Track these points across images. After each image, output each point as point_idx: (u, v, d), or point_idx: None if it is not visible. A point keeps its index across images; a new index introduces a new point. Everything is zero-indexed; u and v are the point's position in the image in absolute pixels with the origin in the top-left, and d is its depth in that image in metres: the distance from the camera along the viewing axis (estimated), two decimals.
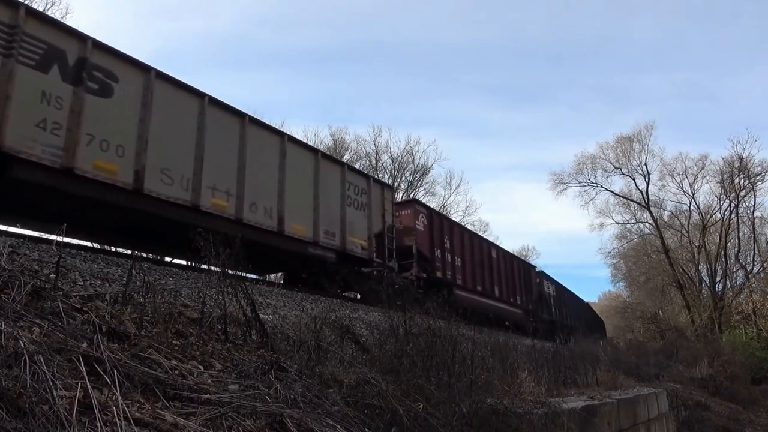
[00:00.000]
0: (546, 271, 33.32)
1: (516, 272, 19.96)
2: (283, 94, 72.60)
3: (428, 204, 25.28)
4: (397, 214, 13.58)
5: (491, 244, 19.16)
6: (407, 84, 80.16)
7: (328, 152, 12.71)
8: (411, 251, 13.13)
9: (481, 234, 27.69)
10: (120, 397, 2.26)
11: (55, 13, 19.77)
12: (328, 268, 9.63)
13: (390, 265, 12.09)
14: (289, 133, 10.52)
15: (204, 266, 4.90)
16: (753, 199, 35.42)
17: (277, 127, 10.57)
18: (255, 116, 9.73)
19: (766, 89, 63.22)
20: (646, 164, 37.76)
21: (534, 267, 23.96)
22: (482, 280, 16.78)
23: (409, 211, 13.97)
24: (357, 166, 31.86)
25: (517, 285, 19.75)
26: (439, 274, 14.00)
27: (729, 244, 35.93)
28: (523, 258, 22.85)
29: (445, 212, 32.25)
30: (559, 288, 26.36)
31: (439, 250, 14.41)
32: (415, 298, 11.37)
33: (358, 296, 11.56)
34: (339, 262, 10.57)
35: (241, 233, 7.79)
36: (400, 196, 29.58)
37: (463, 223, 27.35)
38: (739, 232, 35.67)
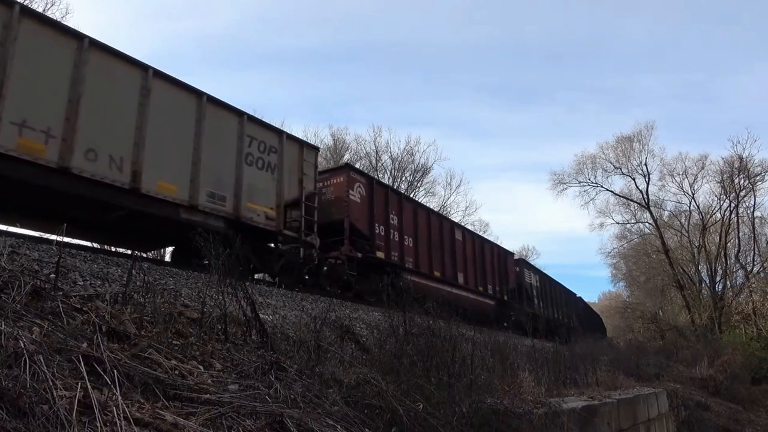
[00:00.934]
0: (549, 272, 31.95)
1: (488, 258, 18.00)
2: (282, 94, 72.67)
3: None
4: (326, 183, 11.86)
5: (456, 225, 17.19)
6: (406, 84, 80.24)
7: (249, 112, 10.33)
8: (342, 226, 11.25)
9: (482, 235, 26.59)
10: (120, 397, 2.26)
11: (55, 13, 19.79)
12: (223, 241, 8.15)
13: (308, 240, 10.25)
14: (164, 74, 8.06)
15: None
16: (753, 199, 35.47)
17: (140, 60, 7.87)
18: (102, 41, 7.41)
19: (765, 89, 63.25)
20: (646, 164, 37.79)
21: (512, 254, 21.76)
22: (441, 265, 14.77)
23: (341, 179, 11.79)
24: (357, 165, 31.85)
25: (488, 272, 17.81)
26: (381, 254, 12.11)
27: (729, 244, 35.94)
28: (498, 244, 20.46)
29: (445, 212, 32.14)
30: (545, 279, 24.51)
31: (382, 227, 12.40)
32: (344, 279, 10.76)
33: (274, 279, 9.89)
34: (233, 233, 8.29)
35: (68, 187, 6.64)
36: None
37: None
38: (739, 232, 35.69)
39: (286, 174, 10.02)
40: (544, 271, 26.53)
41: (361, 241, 11.63)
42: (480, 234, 21.24)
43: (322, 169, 12.02)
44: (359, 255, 11.32)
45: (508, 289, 19.07)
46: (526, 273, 21.65)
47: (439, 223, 15.49)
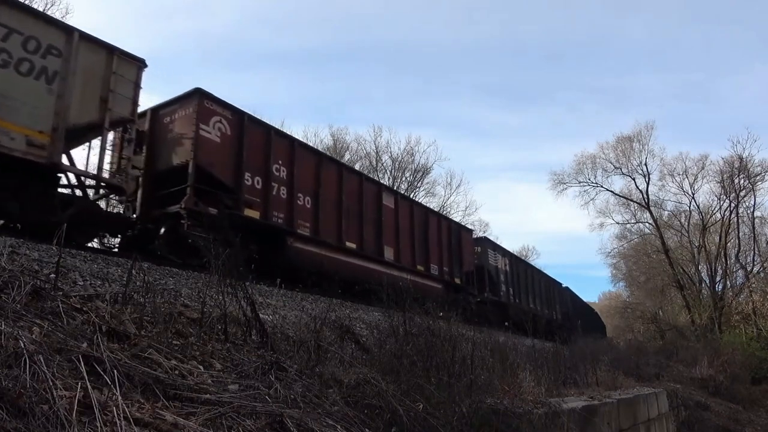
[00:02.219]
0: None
1: (434, 233, 15.10)
2: (282, 94, 72.67)
3: (428, 205, 23.92)
4: (172, 116, 9.14)
5: (386, 189, 14.22)
6: (406, 84, 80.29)
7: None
8: (186, 171, 8.60)
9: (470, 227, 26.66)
10: (120, 397, 2.26)
11: (55, 12, 19.75)
12: None
13: (113, 181, 7.85)
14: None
15: None
16: (753, 199, 35.50)
17: None
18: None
19: (764, 89, 63.27)
20: (646, 164, 37.81)
21: (470, 230, 18.88)
22: (359, 235, 11.94)
23: (188, 111, 8.93)
24: (357, 166, 31.74)
25: (434, 250, 14.90)
26: (252, 212, 9.42)
27: (729, 244, 35.96)
28: (454, 219, 17.63)
29: (444, 212, 32.07)
30: (518, 264, 21.61)
31: (257, 179, 9.61)
32: (189, 244, 7.53)
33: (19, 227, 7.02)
34: None
35: None
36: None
37: (465, 224, 25.92)
38: (739, 232, 35.72)
39: (77, 88, 7.37)
40: (525, 259, 25.21)
41: (221, 193, 8.87)
42: (420, 202, 17.82)
43: (170, 99, 9.36)
44: (213, 210, 8.53)
45: (463, 272, 16.16)
46: (490, 255, 18.66)
47: (358, 184, 12.37)
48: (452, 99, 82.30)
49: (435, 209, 19.29)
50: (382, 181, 22.04)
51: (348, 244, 11.67)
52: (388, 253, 13.01)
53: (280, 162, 10.27)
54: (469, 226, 23.86)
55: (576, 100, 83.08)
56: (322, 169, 11.41)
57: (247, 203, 9.36)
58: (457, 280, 15.97)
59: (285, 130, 12.47)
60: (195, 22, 66.22)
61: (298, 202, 10.53)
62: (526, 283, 21.89)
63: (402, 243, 13.58)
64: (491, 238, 25.71)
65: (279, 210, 10.03)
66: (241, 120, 9.56)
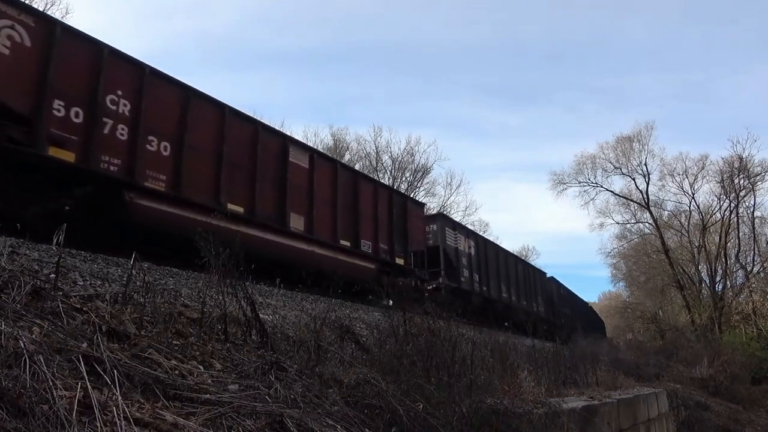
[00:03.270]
0: (550, 272, 28.60)
1: (369, 203, 12.37)
2: (282, 94, 72.67)
3: (428, 205, 24.10)
4: None
5: (295, 144, 10.97)
6: (406, 84, 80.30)
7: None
8: None
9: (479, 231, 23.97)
10: (120, 397, 2.26)
11: (55, 12, 19.76)
12: None
13: None
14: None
15: None
16: (753, 199, 35.50)
17: None
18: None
19: (763, 89, 63.30)
20: (646, 164, 37.81)
21: (421, 204, 16.05)
22: (248, 197, 9.40)
23: None
24: (357, 166, 31.77)
25: (367, 223, 12.18)
26: (65, 154, 7.02)
27: (729, 244, 35.96)
28: (398, 190, 14.49)
29: (445, 212, 32.03)
30: (486, 247, 18.47)
31: (75, 110, 7.20)
32: None
33: None
34: None
35: None
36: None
37: (465, 224, 25.44)
38: (739, 232, 35.72)
39: None
40: (496, 242, 21.95)
41: (6, 123, 6.72)
42: (349, 165, 14.67)
43: None
44: None
45: (409, 251, 13.54)
46: (448, 234, 15.82)
47: (251, 134, 9.76)
48: (452, 99, 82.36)
49: (386, 184, 15.88)
50: (430, 206, 21.19)
51: (231, 206, 8.89)
52: (296, 222, 10.29)
53: (119, 92, 7.77)
54: (436, 210, 22.21)
55: (575, 100, 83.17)
56: (191, 109, 8.67)
57: (55, 140, 6.99)
58: (400, 261, 13.10)
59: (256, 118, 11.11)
60: (195, 22, 66.25)
61: (149, 147, 8.02)
62: (497, 270, 18.65)
63: (319, 212, 10.79)
64: (491, 238, 25.23)
65: (112, 154, 7.57)
66: (50, 30, 7.13)
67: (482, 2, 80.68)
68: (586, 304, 35.47)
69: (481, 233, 25.59)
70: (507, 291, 19.33)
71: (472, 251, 17.21)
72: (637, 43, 76.10)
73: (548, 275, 26.04)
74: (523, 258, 28.37)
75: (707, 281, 37.12)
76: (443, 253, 15.48)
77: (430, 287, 14.50)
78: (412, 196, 28.80)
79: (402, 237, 13.44)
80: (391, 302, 11.76)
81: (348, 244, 11.59)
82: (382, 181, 27.12)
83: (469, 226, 26.23)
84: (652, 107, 71.49)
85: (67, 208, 7.12)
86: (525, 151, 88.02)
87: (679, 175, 37.63)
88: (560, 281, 28.14)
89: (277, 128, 12.59)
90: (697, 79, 71.56)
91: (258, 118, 11.04)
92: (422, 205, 16.32)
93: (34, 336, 2.52)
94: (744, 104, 66.35)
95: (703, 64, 72.76)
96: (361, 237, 11.98)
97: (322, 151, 12.71)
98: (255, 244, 8.66)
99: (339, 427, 3.04)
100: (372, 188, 12.98)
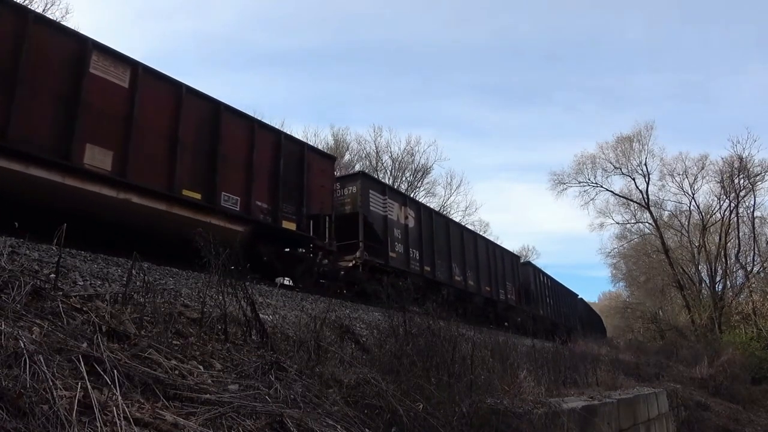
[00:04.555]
0: (550, 272, 26.07)
1: (239, 146, 9.48)
2: (282, 94, 72.67)
3: (428, 204, 21.74)
4: None
5: (103, 51, 7.79)
6: (405, 84, 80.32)
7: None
8: None
9: (481, 233, 21.50)
10: (120, 397, 2.26)
11: (54, 13, 19.76)
12: None
13: None
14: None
15: None
16: (753, 199, 35.55)
17: None
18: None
19: (762, 89, 63.29)
20: (646, 164, 37.86)
21: (331, 158, 12.53)
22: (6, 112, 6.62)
23: None
24: (357, 166, 31.70)
25: (234, 172, 9.33)
26: None
27: (729, 244, 35.99)
28: (292, 135, 11.35)
29: (445, 212, 31.92)
30: (436, 221, 15.20)
31: None
32: None
33: None
34: None
35: None
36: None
37: (465, 224, 24.20)
38: (739, 232, 35.75)
39: None
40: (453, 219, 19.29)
41: None
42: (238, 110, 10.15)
43: None
44: None
45: (306, 214, 10.62)
46: (375, 200, 12.51)
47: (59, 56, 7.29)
48: (451, 99, 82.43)
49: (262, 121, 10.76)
50: (431, 206, 17.81)
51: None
52: (96, 158, 7.47)
53: None
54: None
55: (574, 101, 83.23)
56: None
57: None
58: (289, 225, 10.13)
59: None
60: (195, 22, 66.26)
61: None
62: (449, 248, 15.33)
63: (143, 148, 8.04)
64: (492, 238, 23.44)
65: None
66: None
67: (481, 2, 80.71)
68: (577, 297, 31.63)
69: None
70: (462, 273, 15.84)
71: (411, 223, 13.77)
72: (636, 43, 76.25)
73: (523, 260, 22.89)
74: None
75: (707, 281, 37.17)
76: (363, 221, 11.99)
77: (349, 264, 11.70)
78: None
79: (296, 196, 10.49)
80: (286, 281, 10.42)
81: (197, 196, 8.62)
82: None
83: (470, 227, 24.85)
84: (651, 107, 71.71)
85: None
86: (524, 151, 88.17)
87: (679, 175, 37.73)
88: (542, 269, 24.97)
89: (72, 28, 8.59)
90: (696, 79, 71.73)
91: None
92: (331, 158, 12.40)
93: (34, 336, 2.52)
94: (743, 104, 66.48)
95: (702, 64, 72.93)
96: (221, 189, 8.96)
97: (155, 69, 8.50)
98: (13, 183, 6.62)
99: (339, 427, 3.04)
100: (246, 127, 9.76)
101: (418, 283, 12.86)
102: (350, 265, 11.70)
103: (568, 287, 28.70)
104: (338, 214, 11.78)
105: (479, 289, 16.76)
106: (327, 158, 12.17)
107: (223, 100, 9.45)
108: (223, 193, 9.07)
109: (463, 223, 23.22)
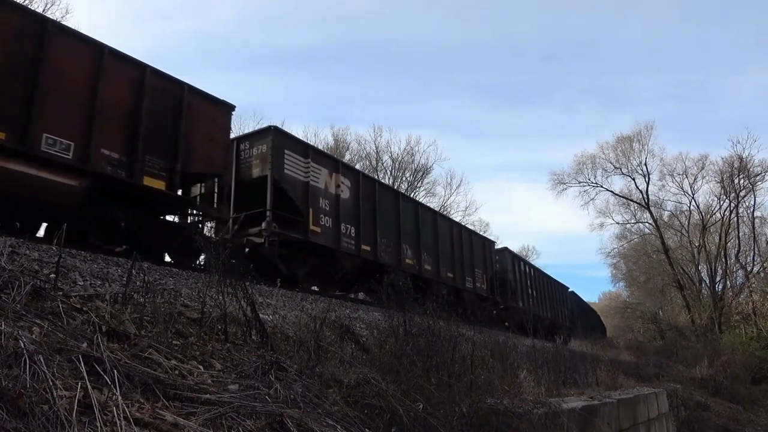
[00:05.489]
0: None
1: (68, 73, 7.30)
2: (282, 94, 72.66)
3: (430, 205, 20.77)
4: None
5: None
6: (405, 85, 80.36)
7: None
8: None
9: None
10: (120, 397, 2.26)
11: (54, 12, 19.74)
12: None
13: None
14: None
15: None
16: (753, 199, 35.55)
17: None
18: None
19: (762, 89, 63.32)
20: (646, 164, 37.86)
21: (227, 107, 9.57)
22: None
23: None
24: (357, 166, 31.65)
25: (61, 106, 7.17)
26: None
27: (729, 244, 35.99)
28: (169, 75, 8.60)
29: (445, 212, 31.91)
30: (380, 193, 12.65)
31: None
32: None
33: None
34: None
35: None
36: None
37: (465, 224, 22.66)
38: (739, 232, 35.76)
39: None
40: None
41: None
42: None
43: None
44: None
45: (182, 171, 8.41)
46: (293, 162, 10.33)
47: None
48: (451, 99, 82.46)
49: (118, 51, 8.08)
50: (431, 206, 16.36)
51: None
52: None
53: None
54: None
55: (574, 101, 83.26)
56: None
57: None
58: (156, 183, 8.09)
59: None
60: (194, 22, 66.25)
61: None
62: (398, 227, 13.07)
63: None
64: (491, 237, 22.07)
65: None
66: None
67: (481, 3, 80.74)
68: (567, 291, 28.68)
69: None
70: (415, 256, 13.58)
71: (345, 194, 11.48)
72: (636, 43, 76.25)
73: (497, 245, 20.14)
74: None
75: (707, 281, 37.17)
76: (273, 186, 9.74)
77: (253, 239, 9.84)
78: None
79: (167, 148, 8.28)
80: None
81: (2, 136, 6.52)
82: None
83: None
84: (651, 107, 71.80)
85: None
86: (524, 151, 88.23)
87: (679, 175, 37.74)
88: (524, 258, 22.53)
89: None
90: (696, 79, 71.77)
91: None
92: (225, 106, 9.48)
93: (34, 336, 2.52)
94: (743, 104, 66.48)
95: (702, 64, 72.96)
96: (42, 129, 6.92)
97: None
98: None
99: (339, 427, 3.04)
100: (89, 55, 7.57)
101: (354, 265, 11.20)
102: (259, 241, 9.68)
103: (557, 279, 26.74)
104: (245, 179, 9.96)
105: (438, 274, 14.41)
106: (220, 106, 9.45)
107: (53, 19, 7.47)
108: (46, 134, 6.96)
109: (468, 226, 21.09)
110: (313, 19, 73.46)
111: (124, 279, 4.25)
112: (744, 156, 34.47)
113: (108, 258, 6.04)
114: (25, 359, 2.19)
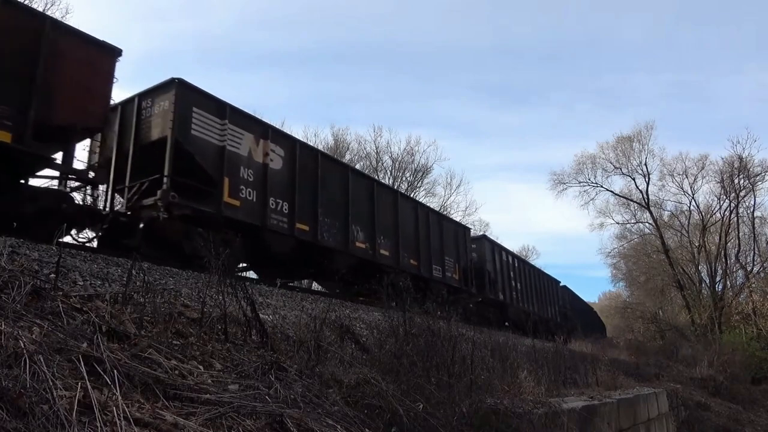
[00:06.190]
0: (550, 272, 23.73)
1: None
2: (282, 94, 72.70)
3: (429, 205, 19.34)
4: None
5: None
6: (404, 85, 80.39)
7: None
8: None
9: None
10: (120, 397, 2.26)
11: (54, 12, 19.72)
12: None
13: None
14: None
15: None
16: (753, 199, 35.55)
17: None
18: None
19: (761, 88, 63.31)
20: (646, 164, 37.86)
21: (111, 50, 7.94)
22: None
23: None
24: (357, 166, 31.61)
25: None
26: None
27: (729, 244, 35.99)
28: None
29: (445, 212, 31.85)
30: (322, 165, 11.00)
31: None
32: None
33: None
34: None
35: None
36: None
37: (467, 224, 20.94)
38: (739, 232, 35.74)
39: None
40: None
41: None
42: None
43: None
44: None
45: (37, 122, 6.93)
46: (202, 121, 8.66)
47: None
48: (451, 99, 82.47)
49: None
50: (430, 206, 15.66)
51: None
52: None
53: None
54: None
55: (574, 101, 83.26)
56: None
57: None
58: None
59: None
60: (194, 23, 66.28)
61: None
62: (346, 205, 11.49)
63: None
64: (491, 237, 20.75)
65: None
66: None
67: (481, 3, 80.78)
68: (559, 285, 27.06)
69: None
70: (369, 239, 11.99)
71: (275, 164, 9.87)
72: (635, 44, 76.29)
73: (468, 228, 18.14)
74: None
75: (707, 281, 37.17)
76: (175, 148, 8.09)
77: (147, 210, 8.12)
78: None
79: (19, 93, 6.85)
80: None
81: None
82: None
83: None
84: (650, 107, 71.80)
85: None
86: (524, 151, 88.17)
87: (679, 175, 37.73)
88: (508, 248, 20.85)
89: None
90: (695, 80, 71.80)
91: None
92: (107, 49, 7.93)
93: (34, 336, 2.52)
94: (743, 104, 66.49)
95: (701, 65, 73.01)
96: None
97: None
98: None
99: (339, 427, 3.04)
100: None
101: (286, 246, 9.45)
102: (155, 214, 8.06)
103: (547, 273, 25.26)
104: (145, 142, 8.48)
105: (398, 261, 12.70)
106: (100, 48, 7.84)
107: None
108: None
109: (444, 213, 18.82)
110: (313, 19, 73.52)
111: (124, 279, 4.25)
112: (744, 156, 34.52)
113: (108, 258, 6.04)
114: (25, 359, 2.19)
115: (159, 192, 7.86)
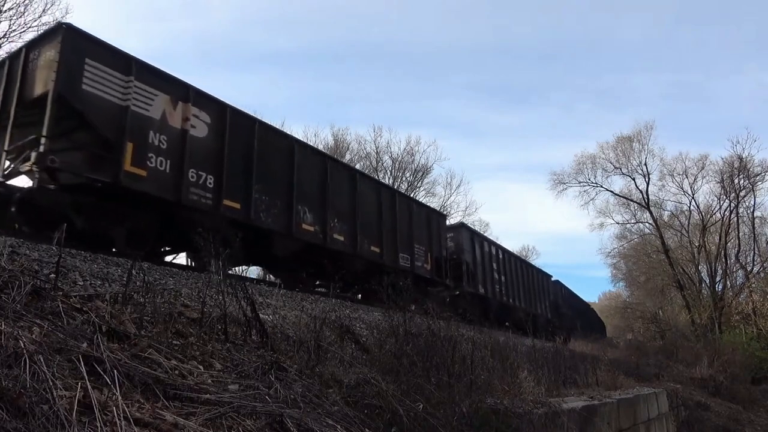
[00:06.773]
0: (550, 272, 22.99)
1: None
2: (282, 94, 72.66)
3: (429, 204, 18.85)
4: None
5: None
6: (404, 85, 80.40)
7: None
8: None
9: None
10: (120, 397, 2.26)
11: (54, 12, 19.73)
12: None
13: None
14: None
15: None
16: (753, 199, 35.51)
17: None
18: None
19: (761, 88, 63.30)
20: (646, 164, 37.82)
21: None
22: None
23: None
24: (357, 166, 31.57)
25: None
26: None
27: (729, 244, 35.97)
28: None
29: (445, 212, 31.78)
30: (266, 138, 9.64)
31: None
32: None
33: None
34: None
35: None
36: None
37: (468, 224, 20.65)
38: (739, 232, 35.72)
39: None
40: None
41: None
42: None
43: None
44: None
45: None
46: (99, 75, 7.16)
47: None
48: (451, 99, 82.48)
49: None
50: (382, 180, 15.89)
51: None
52: None
53: None
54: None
55: (574, 101, 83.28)
56: None
57: None
58: None
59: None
60: (194, 23, 66.28)
61: None
62: (290, 182, 10.04)
63: None
64: (491, 237, 20.94)
65: None
66: None
67: (480, 3, 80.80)
68: (550, 279, 25.58)
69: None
70: (318, 222, 10.53)
71: (199, 131, 8.50)
72: (634, 44, 76.31)
73: (456, 220, 15.85)
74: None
75: (707, 281, 37.15)
76: (57, 105, 6.76)
77: (23, 176, 7.18)
78: (413, 196, 24.36)
79: None
80: None
81: None
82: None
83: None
84: (650, 107, 71.75)
85: None
86: (524, 151, 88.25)
87: (679, 175, 37.71)
88: (491, 238, 19.35)
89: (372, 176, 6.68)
90: (695, 80, 71.80)
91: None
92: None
93: (34, 336, 2.52)
94: (743, 104, 66.48)
95: (701, 65, 73.03)
96: None
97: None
98: None
99: (339, 427, 3.04)
100: None
101: (210, 225, 6.91)
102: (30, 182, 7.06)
103: (537, 266, 23.84)
104: (27, 100, 7.24)
105: (355, 247, 11.37)
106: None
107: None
108: None
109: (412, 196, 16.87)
110: (313, 19, 73.51)
111: (124, 279, 4.24)
112: (744, 156, 34.49)
113: (108, 258, 6.04)
114: (25, 359, 2.19)
115: (34, 155, 6.60)
